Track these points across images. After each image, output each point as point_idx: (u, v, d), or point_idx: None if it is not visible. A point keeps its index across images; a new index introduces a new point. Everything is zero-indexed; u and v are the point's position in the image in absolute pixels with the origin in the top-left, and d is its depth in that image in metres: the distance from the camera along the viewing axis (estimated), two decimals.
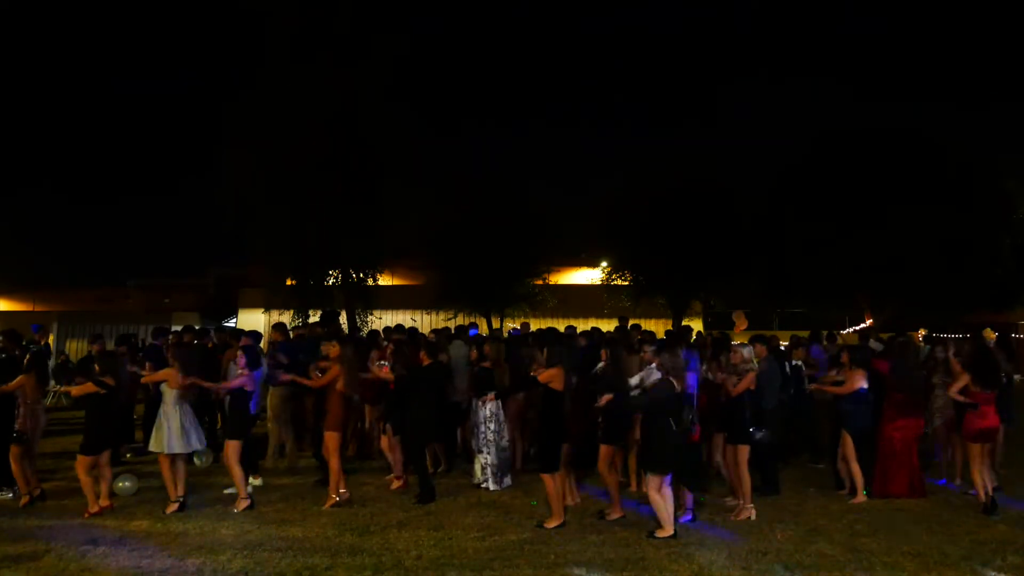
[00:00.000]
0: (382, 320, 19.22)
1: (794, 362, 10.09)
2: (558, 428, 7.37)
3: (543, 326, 16.45)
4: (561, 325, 14.38)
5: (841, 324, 22.59)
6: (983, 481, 7.97)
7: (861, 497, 8.15)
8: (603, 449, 7.68)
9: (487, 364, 9.24)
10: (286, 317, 17.37)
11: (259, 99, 16.26)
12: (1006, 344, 10.53)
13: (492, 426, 8.87)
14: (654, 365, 7.58)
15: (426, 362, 8.66)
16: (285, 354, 10.13)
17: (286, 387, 10.13)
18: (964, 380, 8.12)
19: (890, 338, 11.59)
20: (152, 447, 7.90)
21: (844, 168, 18.91)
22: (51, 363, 14.69)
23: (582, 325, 17.11)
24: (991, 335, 11.30)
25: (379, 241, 17.54)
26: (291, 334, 12.57)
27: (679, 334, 13.07)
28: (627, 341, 9.56)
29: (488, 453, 8.85)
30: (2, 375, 8.44)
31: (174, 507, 7.80)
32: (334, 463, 8.12)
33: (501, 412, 9.03)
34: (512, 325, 19.35)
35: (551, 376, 7.29)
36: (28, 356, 8.95)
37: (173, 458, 7.90)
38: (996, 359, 8.56)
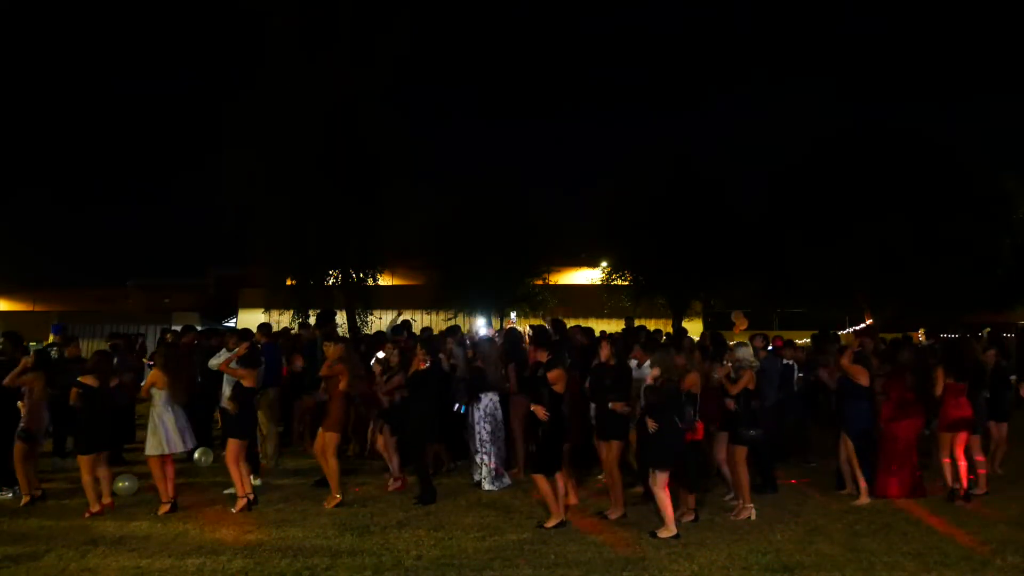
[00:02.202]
0: (382, 320, 19.16)
1: (784, 361, 10.08)
2: (560, 429, 7.38)
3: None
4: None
5: (841, 324, 22.59)
6: (950, 469, 8.26)
7: (865, 499, 8.15)
8: (615, 446, 7.67)
9: (479, 364, 9.20)
10: (286, 317, 17.34)
11: (259, 99, 16.27)
12: (998, 342, 10.57)
13: (487, 426, 8.86)
14: (647, 364, 7.62)
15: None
16: (266, 355, 10.03)
17: (277, 388, 10.15)
18: (941, 373, 8.39)
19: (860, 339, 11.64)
20: (149, 451, 7.87)
21: (844, 168, 18.91)
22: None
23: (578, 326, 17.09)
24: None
25: (379, 241, 17.57)
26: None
27: (677, 335, 13.05)
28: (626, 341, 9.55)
29: (485, 453, 8.84)
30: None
31: (166, 508, 7.79)
32: (331, 463, 8.13)
33: (499, 411, 9.02)
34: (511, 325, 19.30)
35: (556, 378, 7.30)
36: (32, 355, 8.97)
37: (163, 459, 7.89)
38: (972, 353, 8.74)
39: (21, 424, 8.27)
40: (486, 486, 8.74)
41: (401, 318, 12.51)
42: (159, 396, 7.87)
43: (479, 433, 8.85)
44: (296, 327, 15.44)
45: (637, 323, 15.10)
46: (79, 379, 7.85)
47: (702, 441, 7.74)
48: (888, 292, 19.22)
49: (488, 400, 8.95)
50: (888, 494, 8.29)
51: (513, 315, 17.33)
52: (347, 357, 8.42)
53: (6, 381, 8.30)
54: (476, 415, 8.91)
